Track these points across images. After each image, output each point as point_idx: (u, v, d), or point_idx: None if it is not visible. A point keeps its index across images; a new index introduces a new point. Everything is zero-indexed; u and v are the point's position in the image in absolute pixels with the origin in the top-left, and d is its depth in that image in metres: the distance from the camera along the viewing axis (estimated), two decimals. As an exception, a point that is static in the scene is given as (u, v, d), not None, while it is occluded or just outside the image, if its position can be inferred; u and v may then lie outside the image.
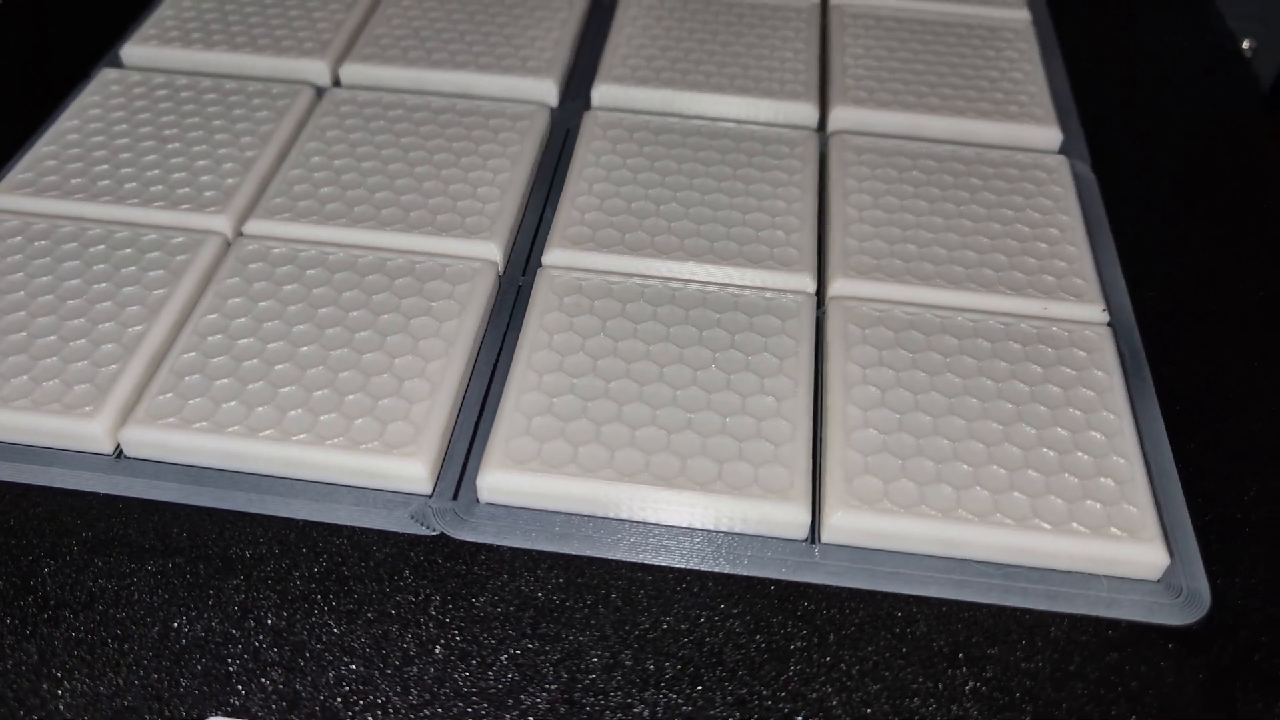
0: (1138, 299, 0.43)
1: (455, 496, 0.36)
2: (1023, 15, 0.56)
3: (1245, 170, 0.49)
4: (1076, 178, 0.47)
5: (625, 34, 0.53)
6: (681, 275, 0.41)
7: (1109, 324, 0.41)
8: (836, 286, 0.41)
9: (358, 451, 0.35)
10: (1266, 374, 0.40)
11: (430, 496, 0.36)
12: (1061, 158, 0.47)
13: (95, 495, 0.36)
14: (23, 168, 0.45)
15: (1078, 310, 0.41)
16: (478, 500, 0.36)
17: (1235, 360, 0.41)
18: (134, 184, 0.45)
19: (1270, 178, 0.49)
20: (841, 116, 0.49)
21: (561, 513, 0.35)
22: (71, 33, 0.56)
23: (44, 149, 0.46)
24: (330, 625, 0.33)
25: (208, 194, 0.44)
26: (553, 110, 0.50)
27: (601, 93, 0.50)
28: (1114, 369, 0.38)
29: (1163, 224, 0.46)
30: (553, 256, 0.42)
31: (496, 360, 0.40)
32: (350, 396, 0.37)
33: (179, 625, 0.33)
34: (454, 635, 0.33)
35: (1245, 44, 0.74)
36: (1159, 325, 0.42)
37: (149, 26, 0.53)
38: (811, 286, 0.41)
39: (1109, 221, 0.46)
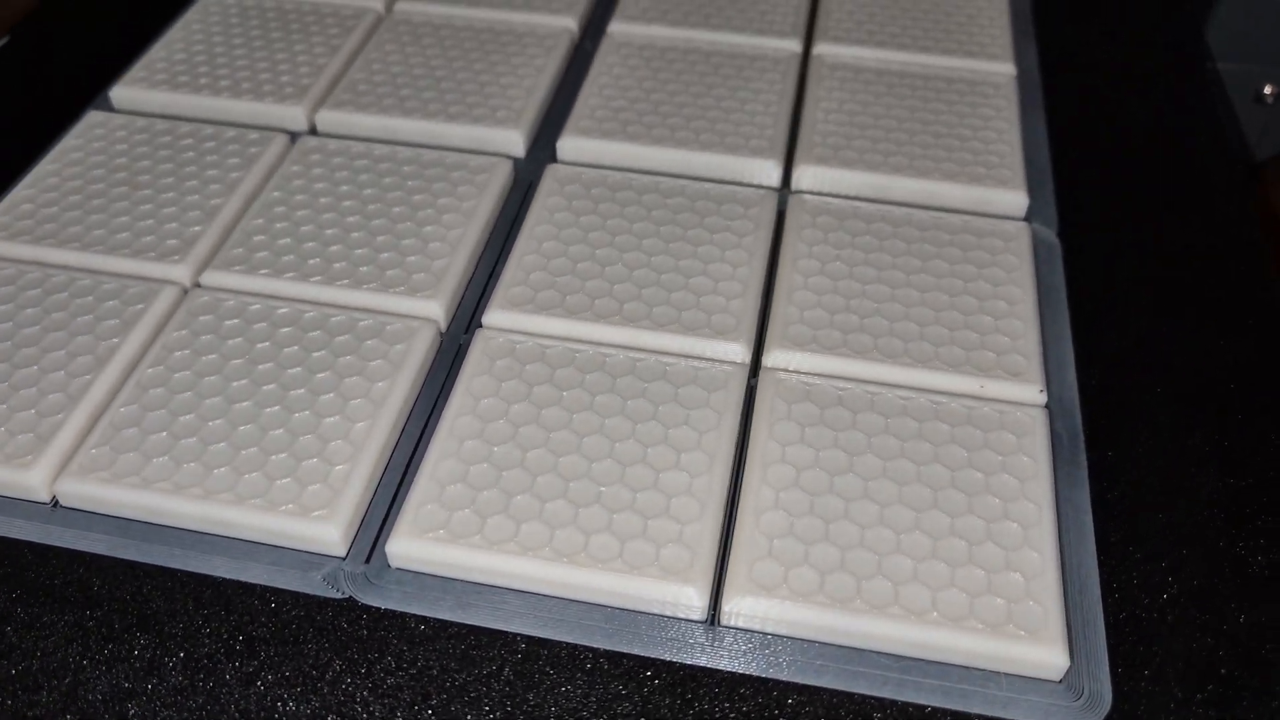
0: (1085, 378, 0.42)
1: (368, 560, 0.37)
2: (1007, 69, 0.55)
3: (1218, 248, 0.48)
4: (1039, 244, 0.46)
5: (599, 83, 0.53)
6: (616, 341, 0.42)
7: (1045, 406, 0.40)
8: (771, 357, 0.41)
9: (276, 513, 0.36)
10: (1205, 467, 0.39)
11: (344, 559, 0.37)
12: (1023, 224, 0.46)
13: (29, 544, 0.37)
14: (0, 211, 0.47)
15: (1014, 390, 0.40)
16: (388, 565, 0.36)
17: (1175, 450, 0.40)
18: (101, 231, 0.46)
19: (1242, 257, 0.47)
20: (805, 175, 0.49)
21: (466, 582, 0.36)
22: (71, 71, 0.57)
23: (22, 193, 0.48)
24: (230, 688, 0.34)
25: (170, 243, 0.45)
26: (518, 161, 0.50)
27: (567, 145, 0.50)
28: (1043, 455, 0.38)
29: (1123, 299, 0.45)
30: (492, 317, 0.42)
31: (428, 420, 0.40)
32: (275, 456, 0.38)
33: (89, 680, 0.34)
34: (346, 705, 0.33)
35: (1267, 89, 0.71)
36: (1102, 407, 0.41)
37: (139, 69, 0.55)
38: (743, 356, 0.41)
39: (1067, 293, 0.45)
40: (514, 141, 0.51)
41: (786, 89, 0.53)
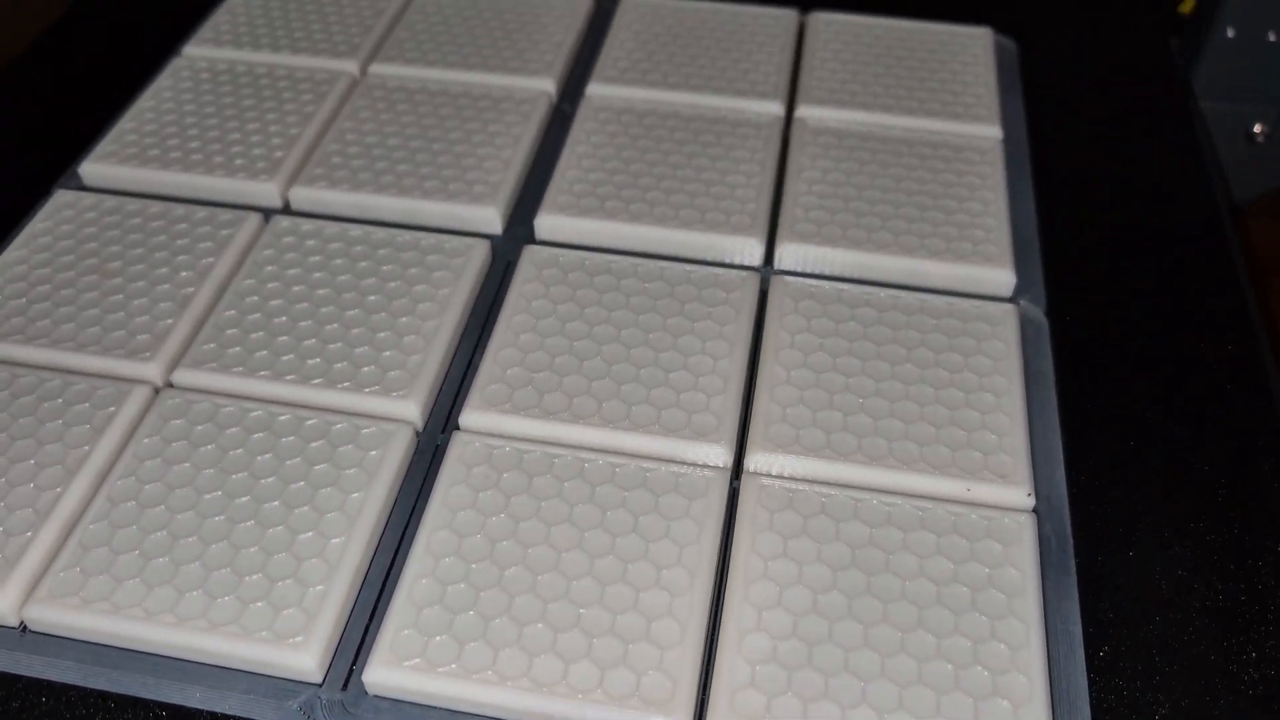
0: (1073, 474, 0.41)
1: (345, 687, 0.36)
2: (993, 132, 0.54)
3: (1209, 322, 0.47)
4: (1026, 324, 0.46)
5: (577, 152, 0.52)
6: (595, 444, 0.41)
7: (1034, 509, 0.39)
8: (754, 460, 0.40)
9: (249, 640, 0.36)
10: (1197, 573, 0.39)
11: (321, 685, 0.36)
12: (1010, 307, 0.46)
13: (-3, 672, 0.37)
14: (-33, 304, 0.46)
15: (1001, 494, 0.39)
16: (365, 693, 0.36)
17: (1166, 554, 0.39)
18: (71, 325, 0.45)
19: (1238, 336, 0.46)
20: (787, 253, 0.48)
21: (445, 709, 0.35)
22: (36, 145, 0.56)
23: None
24: (204, 831, 0.33)
25: (141, 338, 0.45)
26: (495, 239, 0.50)
27: (544, 223, 0.49)
28: (1030, 567, 0.37)
29: (1113, 383, 0.45)
30: (469, 419, 0.42)
31: (405, 530, 0.39)
32: (249, 578, 0.37)
33: (59, 823, 0.33)
34: (323, 847, 0.33)
35: (1256, 128, 0.70)
36: (1091, 506, 0.40)
37: (109, 142, 0.53)
38: (725, 459, 0.40)
39: (1055, 377, 0.44)
40: (491, 219, 0.50)
41: (768, 157, 0.52)
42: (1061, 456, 0.42)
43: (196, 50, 0.59)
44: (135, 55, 0.61)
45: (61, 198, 0.51)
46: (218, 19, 0.61)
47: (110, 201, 0.51)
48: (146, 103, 0.56)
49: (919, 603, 0.36)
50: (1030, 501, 0.39)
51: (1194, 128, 0.58)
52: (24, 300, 0.46)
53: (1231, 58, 0.69)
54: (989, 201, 0.50)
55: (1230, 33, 0.68)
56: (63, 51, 0.63)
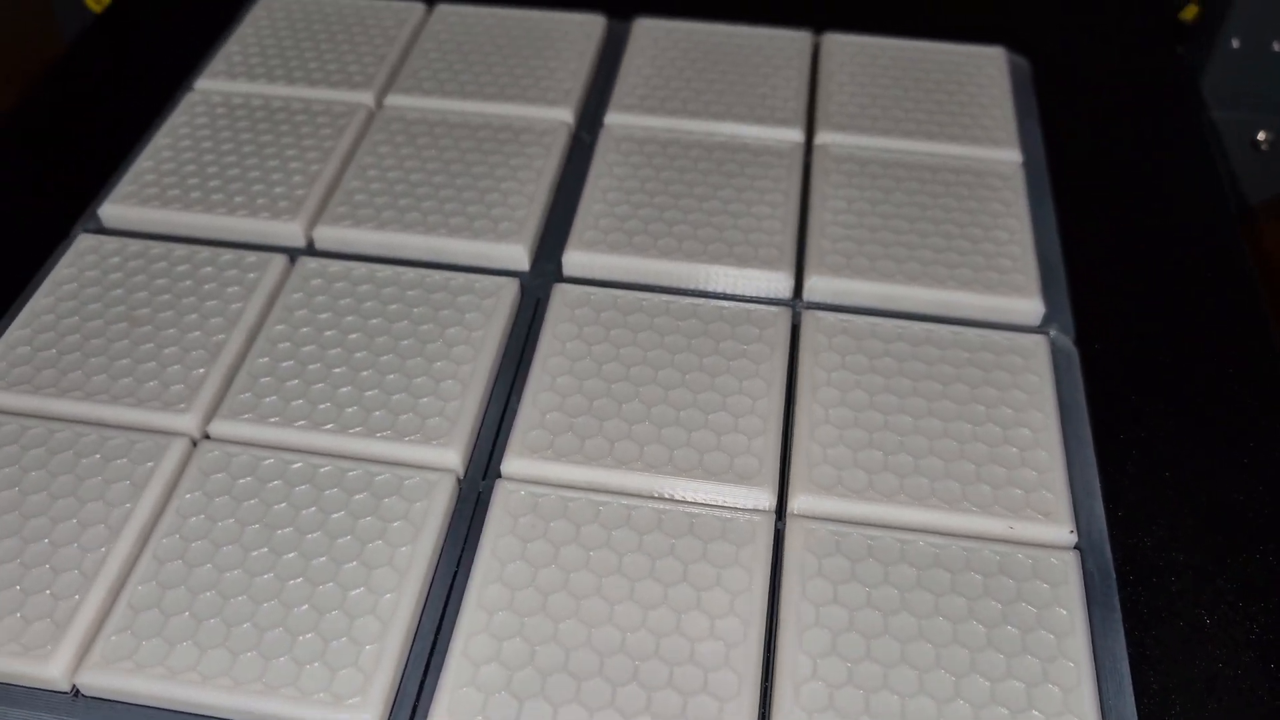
0: (1111, 507, 0.42)
1: (403, 745, 0.36)
2: (1013, 156, 0.54)
3: (1240, 349, 0.47)
4: (1057, 355, 0.46)
5: (601, 185, 0.52)
6: (639, 489, 0.41)
7: (1076, 546, 0.40)
8: (798, 503, 0.41)
9: (308, 702, 0.36)
10: (1239, 603, 0.39)
11: (379, 744, 0.36)
12: (1040, 338, 0.46)
13: (52, 736, 0.37)
14: (-4, 356, 0.46)
15: (1044, 531, 0.40)
16: (424, 752, 0.36)
17: (1208, 585, 0.40)
18: (103, 377, 0.45)
19: (1261, 358, 0.47)
20: (817, 286, 0.48)
21: (506, 769, 0.35)
22: (52, 185, 0.56)
23: (17, 333, 0.47)
24: None
25: (174, 388, 0.44)
26: (523, 276, 0.49)
27: (573, 260, 0.49)
28: (1078, 606, 0.38)
29: (1145, 411, 0.45)
30: (511, 466, 0.42)
31: (452, 582, 0.40)
32: (302, 637, 0.37)
33: None
34: None
35: (1260, 135, 0.71)
36: (1130, 540, 0.41)
37: (128, 183, 0.53)
38: (769, 502, 0.41)
39: (1088, 407, 0.45)
40: (518, 257, 0.50)
41: (792, 187, 0.52)
42: (1099, 490, 0.42)
43: (209, 84, 0.59)
44: (144, 89, 0.61)
45: (84, 242, 0.51)
46: (229, 51, 0.61)
47: (134, 245, 0.50)
48: (163, 140, 0.55)
49: (971, 646, 0.37)
50: (1073, 539, 0.40)
51: (1208, 142, 0.58)
52: (54, 351, 0.46)
53: (1236, 68, 0.70)
54: (1014, 229, 0.50)
55: (1236, 43, 0.69)
56: (70, 88, 0.62)
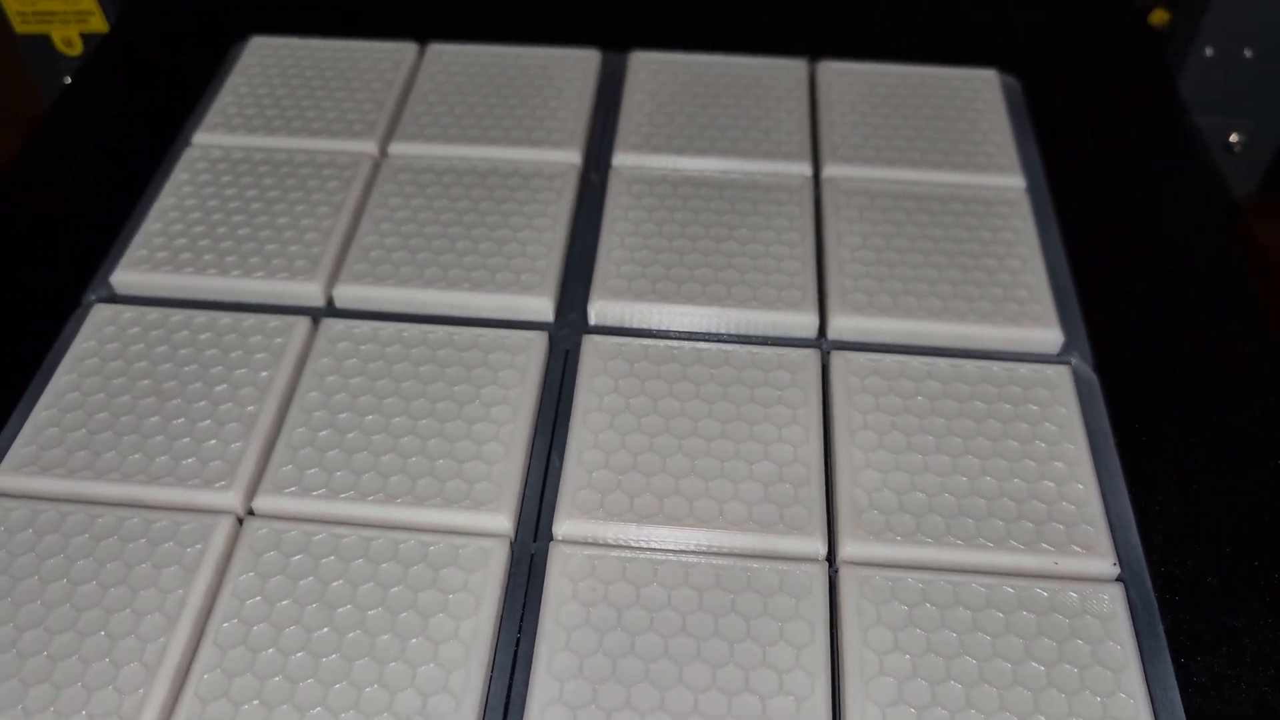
0: (1146, 535, 0.43)
1: (485, 819, 0.36)
2: (1017, 182, 0.55)
3: (1257, 366, 0.49)
4: (1080, 384, 0.47)
5: (617, 230, 0.53)
6: (693, 544, 0.42)
7: (1119, 578, 0.41)
8: (846, 550, 0.41)
9: (387, 783, 0.36)
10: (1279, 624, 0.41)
11: (461, 820, 0.36)
12: (1064, 368, 0.47)
13: (129, 834, 0.36)
14: (24, 439, 0.45)
15: (1088, 565, 0.41)
16: (508, 826, 0.36)
17: (1249, 610, 0.41)
18: (138, 455, 0.44)
19: (1273, 366, 0.49)
20: (842, 326, 0.49)
21: (592, 838, 0.36)
22: (55, 251, 0.55)
23: (44, 414, 0.46)
24: None
25: (213, 464, 0.44)
26: (549, 328, 0.50)
27: (598, 310, 0.50)
28: (1129, 640, 0.39)
29: (1170, 436, 0.46)
30: (564, 528, 0.42)
31: (516, 650, 0.40)
32: (377, 719, 0.37)
33: None
34: None
35: (1233, 138, 0.73)
36: (1165, 568, 0.42)
37: (137, 247, 0.52)
38: (820, 550, 0.42)
39: (1114, 435, 0.46)
40: (543, 309, 0.50)
41: (806, 224, 0.53)
42: (1133, 518, 0.43)
43: (208, 138, 0.58)
44: (138, 144, 0.60)
45: (101, 313, 0.50)
46: (223, 103, 0.60)
47: (152, 314, 0.50)
48: (168, 200, 0.54)
49: (1032, 687, 0.38)
50: (1115, 571, 0.41)
51: (1201, 151, 0.60)
52: (84, 431, 0.45)
53: (1211, 74, 0.71)
54: (1026, 258, 0.51)
55: (1209, 51, 0.71)
56: (59, 145, 0.61)
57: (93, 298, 0.51)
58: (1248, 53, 0.70)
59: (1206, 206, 0.57)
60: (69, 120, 0.63)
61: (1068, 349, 0.49)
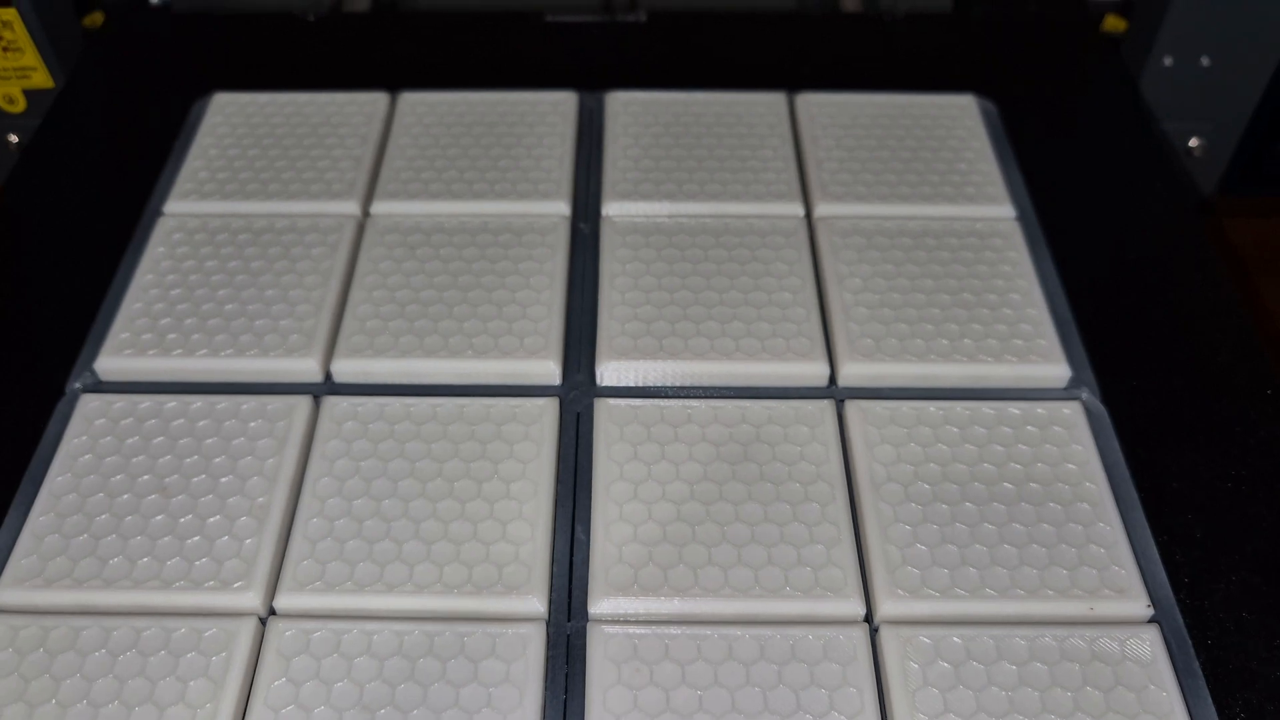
0: (1173, 570, 0.43)
1: None
2: (1007, 211, 0.56)
3: (1260, 386, 0.50)
4: (1092, 420, 0.48)
5: (617, 284, 0.52)
6: (734, 616, 0.41)
7: (1153, 619, 0.41)
8: (884, 609, 0.41)
9: None
10: (1307, 657, 0.42)
11: None
12: (1076, 405, 0.48)
13: None
14: (23, 549, 0.43)
15: (1122, 608, 0.41)
16: None
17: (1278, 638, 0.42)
18: (147, 559, 0.43)
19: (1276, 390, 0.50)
20: (852, 373, 0.49)
21: None
22: (28, 335, 0.52)
23: (41, 519, 0.44)
24: None
25: (229, 564, 0.42)
26: (557, 390, 0.49)
27: (606, 370, 0.49)
28: (1170, 682, 0.39)
29: (1184, 464, 0.47)
30: (600, 607, 0.41)
31: (563, 736, 0.39)
32: (430, 826, 0.36)
33: None
34: None
35: (1193, 142, 0.74)
36: (1192, 601, 0.43)
37: (120, 329, 0.50)
38: (861, 611, 0.41)
39: (1128, 467, 0.47)
40: (550, 372, 0.49)
41: (805, 269, 0.53)
42: (1157, 555, 0.44)
43: (181, 206, 0.56)
44: (104, 214, 0.58)
45: (89, 403, 0.48)
46: (192, 166, 0.58)
47: (145, 402, 0.48)
48: (146, 276, 0.52)
49: (1084, 741, 0.38)
50: (1149, 612, 0.42)
51: (1174, 161, 0.61)
52: (87, 537, 0.43)
53: (1170, 83, 0.73)
54: (1026, 291, 0.52)
55: (1168, 61, 0.72)
56: (22, 217, 0.58)
57: (77, 386, 0.49)
58: (1205, 61, 0.71)
59: (1187, 220, 0.58)
60: (27, 188, 0.60)
61: (1075, 383, 0.49)
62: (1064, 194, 0.59)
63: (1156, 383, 0.50)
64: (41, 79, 0.72)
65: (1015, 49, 0.69)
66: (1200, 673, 0.41)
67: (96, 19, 0.78)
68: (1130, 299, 0.54)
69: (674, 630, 0.41)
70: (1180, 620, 0.42)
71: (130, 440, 0.47)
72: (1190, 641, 0.42)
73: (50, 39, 0.71)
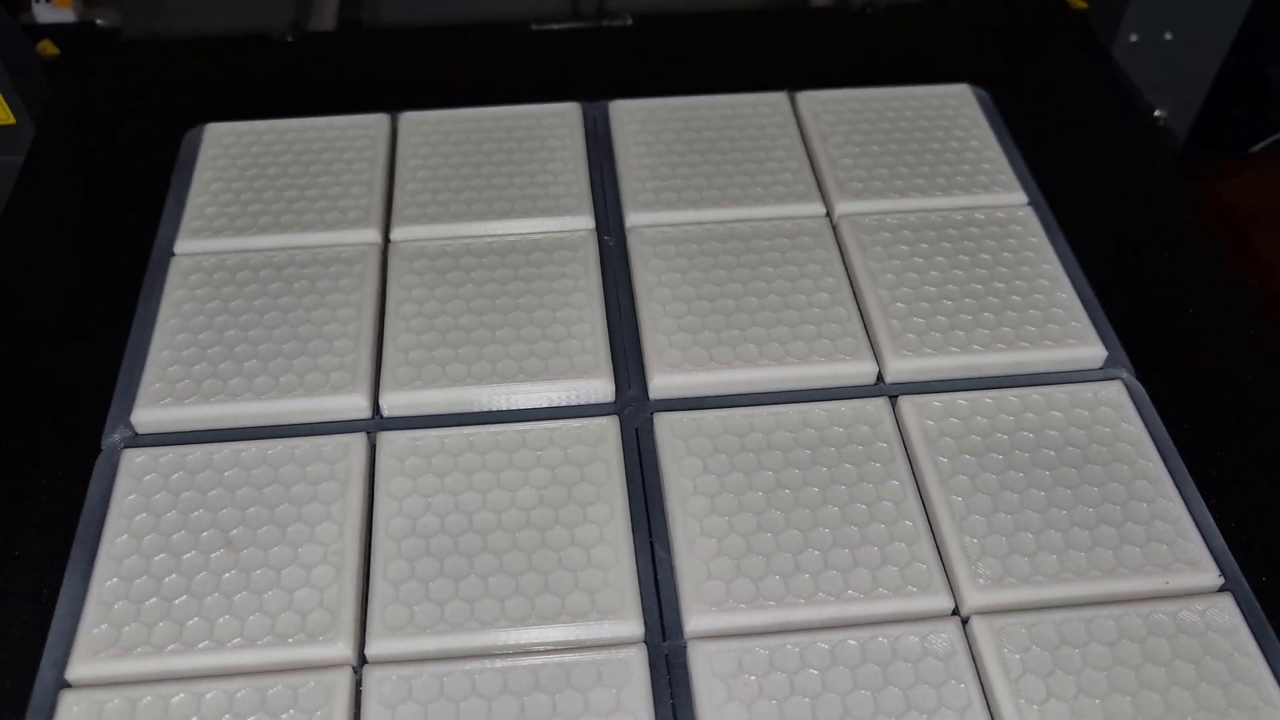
0: (1233, 539, 0.45)
1: None
2: (1020, 198, 0.57)
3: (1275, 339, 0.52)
4: (1135, 398, 0.49)
5: (655, 295, 0.52)
6: (827, 622, 0.42)
7: (1226, 588, 0.43)
8: (971, 601, 0.42)
9: None
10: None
11: None
12: (1118, 384, 0.49)
13: None
14: (92, 618, 0.41)
15: (1195, 580, 0.43)
16: None
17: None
18: (226, 618, 0.41)
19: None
20: (900, 369, 0.49)
21: None
22: (53, 386, 0.50)
23: (107, 584, 0.42)
24: None
25: (313, 615, 0.41)
26: (612, 407, 0.49)
27: (660, 384, 0.49)
28: (1254, 649, 0.41)
29: (1223, 432, 0.49)
30: (696, 624, 0.41)
31: (678, 758, 0.39)
32: None
33: None
34: None
35: (1157, 112, 0.77)
36: (1258, 563, 0.45)
37: (152, 379, 0.48)
38: (950, 605, 0.42)
39: (1173, 443, 0.48)
40: (605, 390, 0.49)
41: (837, 266, 0.53)
42: (1214, 524, 0.46)
43: (192, 245, 0.54)
44: (109, 257, 0.55)
45: (134, 459, 0.46)
46: (197, 203, 0.56)
47: (193, 453, 0.46)
48: (169, 321, 0.51)
49: (1181, 711, 0.39)
50: (1220, 581, 0.43)
51: (1161, 134, 0.63)
52: (158, 599, 0.42)
53: (1135, 57, 0.75)
54: (1052, 276, 0.53)
55: (1134, 37, 0.74)
56: (20, 266, 0.56)
57: (116, 440, 0.47)
58: (1168, 35, 0.74)
59: (1184, 192, 0.60)
60: (18, 235, 0.57)
61: (1111, 362, 0.51)
62: (1063, 176, 0.60)
63: (1186, 357, 0.52)
64: (1, 115, 0.69)
65: (993, 35, 0.70)
66: (1276, 637, 0.43)
67: (47, 47, 0.75)
68: (1145, 274, 0.56)
69: (774, 641, 0.41)
70: (1247, 588, 0.44)
71: (185, 494, 0.45)
72: (1261, 608, 0.43)
73: (9, 73, 0.68)
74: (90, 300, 0.54)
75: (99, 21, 0.78)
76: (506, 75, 0.66)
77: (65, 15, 0.77)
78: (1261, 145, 0.80)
